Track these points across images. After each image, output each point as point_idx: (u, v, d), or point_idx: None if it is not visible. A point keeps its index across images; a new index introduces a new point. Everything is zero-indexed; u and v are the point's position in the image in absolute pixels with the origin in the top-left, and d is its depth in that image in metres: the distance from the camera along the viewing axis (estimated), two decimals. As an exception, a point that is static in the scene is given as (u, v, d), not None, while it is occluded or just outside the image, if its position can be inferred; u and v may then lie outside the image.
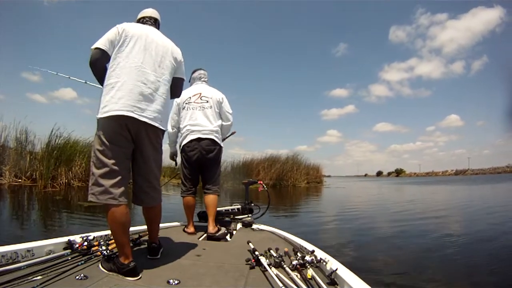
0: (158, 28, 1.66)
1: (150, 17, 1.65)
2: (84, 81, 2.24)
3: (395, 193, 13.77)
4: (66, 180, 10.11)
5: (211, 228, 2.09)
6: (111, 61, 1.38)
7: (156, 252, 1.52)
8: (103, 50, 1.35)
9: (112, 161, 1.28)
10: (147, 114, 1.38)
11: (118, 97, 1.31)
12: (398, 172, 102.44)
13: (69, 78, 2.38)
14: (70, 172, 10.31)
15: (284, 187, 15.93)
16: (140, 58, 1.41)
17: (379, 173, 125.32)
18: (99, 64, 1.39)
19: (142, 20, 1.63)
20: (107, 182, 1.26)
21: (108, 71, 1.37)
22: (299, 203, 8.50)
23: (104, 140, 1.29)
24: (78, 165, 10.60)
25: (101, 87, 1.42)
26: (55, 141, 10.22)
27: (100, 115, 1.31)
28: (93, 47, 1.36)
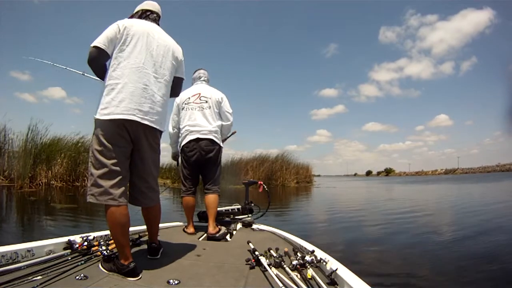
0: (158, 23, 1.61)
1: (153, 12, 1.59)
2: (82, 73, 2.20)
3: (387, 193, 13.45)
4: (46, 180, 9.74)
5: (211, 229, 2.08)
6: (112, 60, 1.36)
7: (156, 252, 1.52)
8: (101, 49, 1.32)
9: (112, 161, 1.27)
10: (148, 116, 1.37)
11: (119, 100, 1.30)
12: (388, 172, 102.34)
13: (66, 68, 2.33)
14: (50, 172, 9.91)
15: (273, 187, 15.49)
16: (142, 59, 1.38)
17: (369, 173, 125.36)
18: (97, 63, 1.37)
19: (144, 15, 1.57)
20: (107, 183, 1.25)
21: (109, 71, 1.35)
22: (290, 205, 8.12)
23: (103, 140, 1.28)
24: (60, 164, 10.18)
25: (98, 79, 1.42)
26: (33, 138, 9.84)
27: (99, 116, 1.30)
28: (92, 45, 1.33)
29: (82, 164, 10.85)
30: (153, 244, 1.53)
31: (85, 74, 2.21)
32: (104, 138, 1.28)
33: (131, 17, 1.59)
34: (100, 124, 1.30)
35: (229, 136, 2.49)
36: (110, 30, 1.36)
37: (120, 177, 1.29)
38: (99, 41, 1.33)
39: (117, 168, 1.28)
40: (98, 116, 1.30)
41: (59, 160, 10.24)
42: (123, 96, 1.31)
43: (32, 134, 9.91)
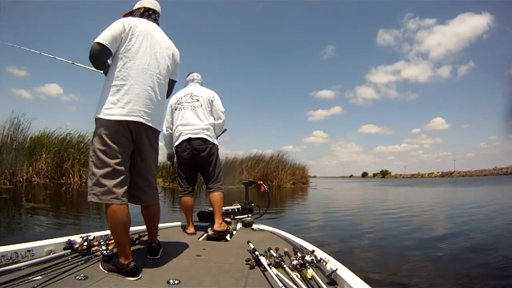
0: (158, 23, 1.60)
1: (154, 11, 1.58)
2: (71, 62, 2.14)
3: (387, 196, 13.02)
4: (27, 176, 9.35)
5: (217, 226, 2.06)
6: (116, 60, 1.35)
7: (156, 252, 1.52)
8: (105, 46, 1.30)
9: (115, 161, 1.28)
10: (151, 118, 1.39)
11: (125, 102, 1.31)
12: (384, 174, 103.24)
13: (55, 58, 2.26)
14: (31, 168, 9.51)
15: (268, 188, 15.02)
16: (147, 60, 1.39)
17: (364, 174, 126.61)
18: (99, 60, 1.35)
19: (146, 14, 1.55)
20: (110, 182, 1.26)
21: (113, 71, 1.34)
22: (289, 206, 7.87)
23: (107, 140, 1.28)
24: (44, 160, 9.84)
25: (92, 69, 1.40)
26: (14, 132, 9.50)
27: (103, 116, 1.29)
28: (95, 41, 1.30)
29: (68, 161, 10.52)
30: (153, 244, 1.53)
31: (75, 64, 2.15)
32: (107, 138, 1.28)
33: (131, 13, 1.58)
34: (104, 124, 1.29)
35: (221, 134, 2.48)
36: (115, 28, 1.34)
37: (123, 176, 1.30)
38: (103, 38, 1.30)
39: (120, 168, 1.29)
40: (101, 116, 1.29)
41: (44, 155, 9.87)
42: (130, 98, 1.31)
43: (13, 127, 9.56)
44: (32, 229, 3.69)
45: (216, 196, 2.20)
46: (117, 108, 1.29)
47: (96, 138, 1.31)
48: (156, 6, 1.60)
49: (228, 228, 2.14)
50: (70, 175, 10.64)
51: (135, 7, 1.59)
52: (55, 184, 10.02)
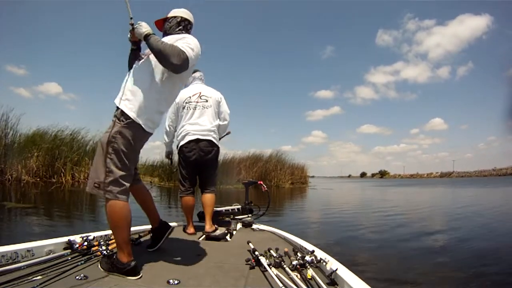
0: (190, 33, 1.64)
1: (190, 22, 1.61)
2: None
3: (390, 197, 12.73)
4: (16, 175, 9.09)
5: (208, 227, 2.10)
6: (173, 76, 1.40)
7: (168, 226, 1.63)
8: (189, 62, 1.33)
9: (132, 165, 1.36)
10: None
11: (159, 116, 1.43)
12: (382, 174, 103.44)
13: None
14: (20, 166, 9.22)
15: (267, 187, 14.69)
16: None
17: (363, 175, 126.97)
18: (181, 71, 1.36)
19: (183, 24, 1.57)
20: (126, 184, 1.31)
21: (168, 85, 1.40)
22: (290, 208, 7.62)
23: (132, 144, 1.32)
24: (35, 158, 9.63)
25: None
26: (3, 128, 9.24)
27: (140, 122, 1.31)
28: (187, 55, 1.30)
29: (60, 159, 10.36)
30: (162, 221, 1.63)
31: None
32: (134, 142, 1.32)
33: (165, 19, 1.57)
34: (136, 129, 1.32)
35: (224, 135, 2.48)
36: (198, 49, 1.39)
37: (131, 178, 1.37)
38: (191, 56, 1.33)
39: (132, 172, 1.37)
40: (140, 121, 1.31)
41: (35, 153, 9.67)
42: (160, 114, 1.45)
43: (3, 124, 9.33)
44: (16, 233, 3.34)
45: (209, 197, 2.25)
46: (154, 120, 1.39)
47: (121, 139, 1.27)
48: (191, 17, 1.61)
49: (218, 229, 2.15)
50: (62, 174, 10.44)
51: (170, 14, 1.57)
52: (46, 183, 9.80)
